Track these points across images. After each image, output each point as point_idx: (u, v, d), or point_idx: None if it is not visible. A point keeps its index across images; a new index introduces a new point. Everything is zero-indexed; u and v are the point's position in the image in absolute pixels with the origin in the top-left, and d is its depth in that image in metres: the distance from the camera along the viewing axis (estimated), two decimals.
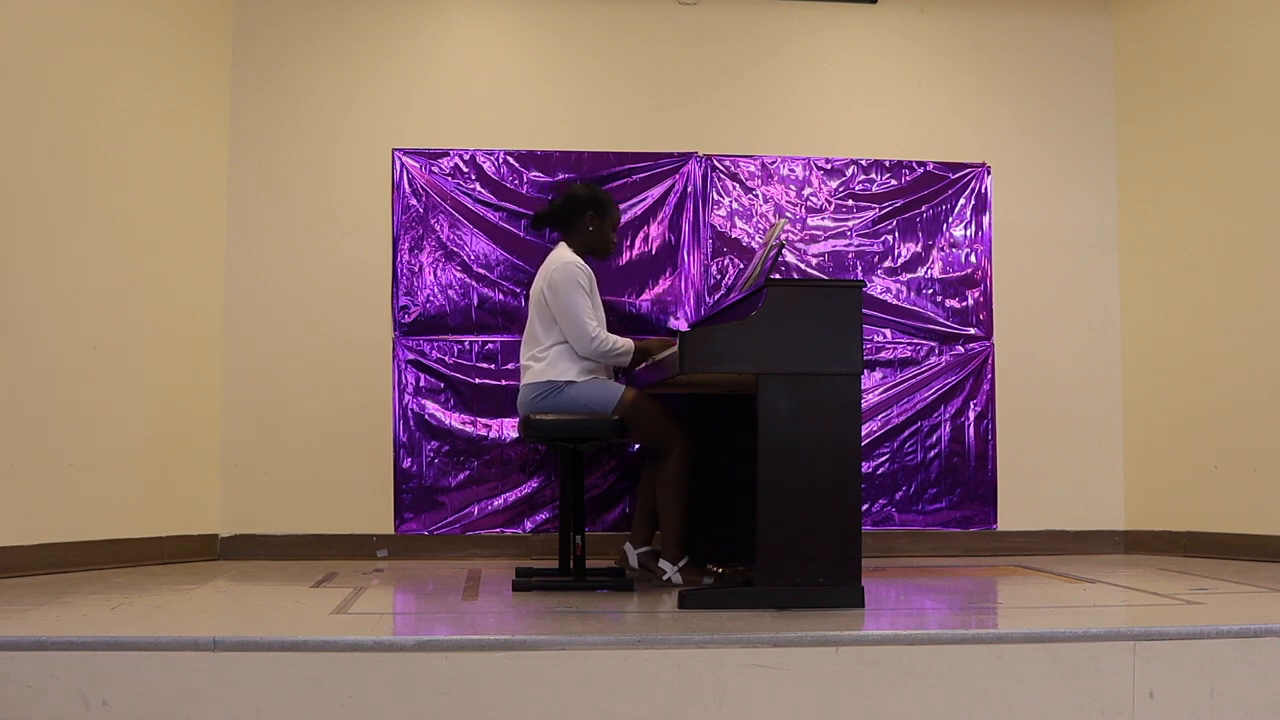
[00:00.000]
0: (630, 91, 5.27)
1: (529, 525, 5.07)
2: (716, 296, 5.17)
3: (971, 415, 5.29)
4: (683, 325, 5.12)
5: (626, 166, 5.18)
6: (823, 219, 5.28)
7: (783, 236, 5.07)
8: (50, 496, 4.16)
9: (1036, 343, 5.35)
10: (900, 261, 5.30)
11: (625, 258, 5.15)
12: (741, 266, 5.17)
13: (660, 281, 5.18)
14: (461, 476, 5.05)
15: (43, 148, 4.23)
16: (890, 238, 5.30)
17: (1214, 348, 5.01)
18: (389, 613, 3.47)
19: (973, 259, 5.34)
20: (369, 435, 5.03)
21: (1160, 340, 5.25)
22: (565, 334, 4.16)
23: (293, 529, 4.98)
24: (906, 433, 5.24)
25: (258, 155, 5.07)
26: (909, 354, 5.27)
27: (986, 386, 5.30)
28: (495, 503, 5.06)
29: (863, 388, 4.72)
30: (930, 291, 5.30)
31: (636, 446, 4.96)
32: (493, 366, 5.08)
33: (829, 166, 5.30)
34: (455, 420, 5.06)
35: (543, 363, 4.18)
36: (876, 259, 5.29)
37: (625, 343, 4.22)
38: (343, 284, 5.07)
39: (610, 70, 5.27)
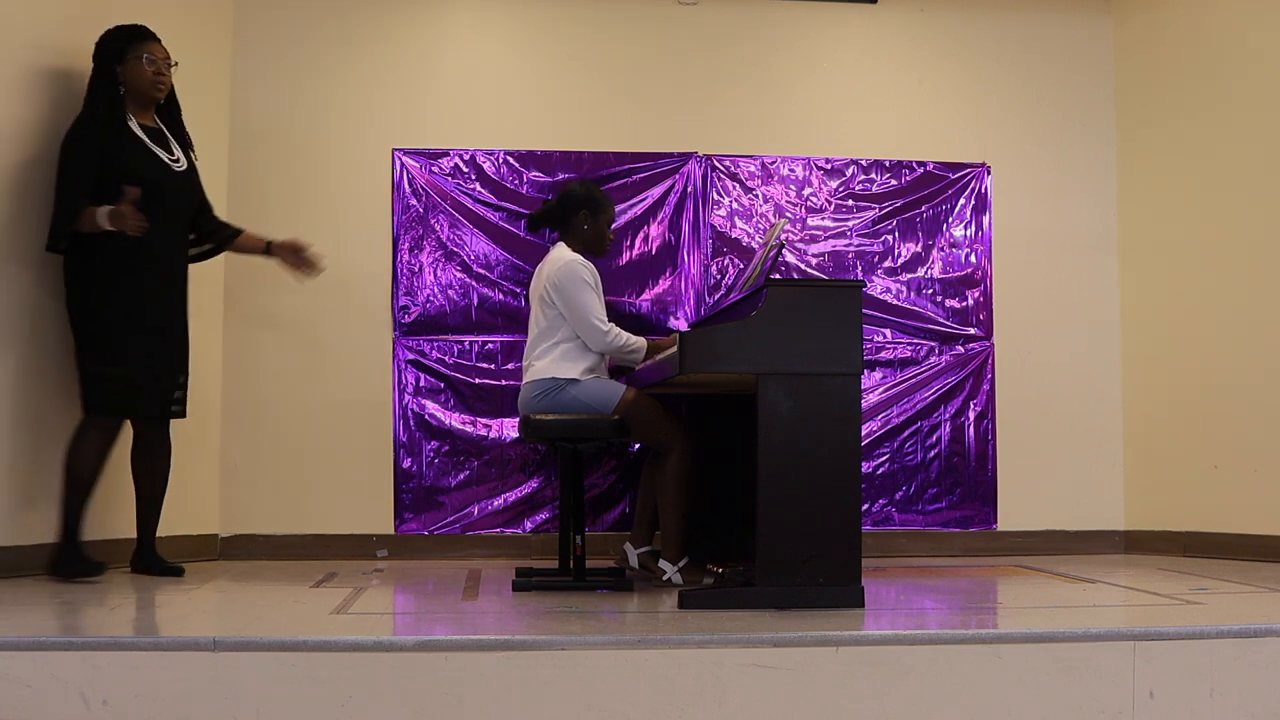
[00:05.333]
0: (630, 91, 5.27)
1: (529, 525, 5.07)
2: (716, 296, 5.17)
3: (971, 415, 5.29)
4: (683, 325, 5.12)
5: (626, 166, 5.19)
6: (823, 219, 5.28)
7: (783, 236, 5.07)
8: (50, 496, 4.16)
9: (1036, 343, 5.35)
10: (900, 261, 5.30)
11: (625, 258, 5.16)
12: (741, 266, 5.17)
13: (660, 281, 5.18)
14: (461, 476, 5.06)
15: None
16: (890, 238, 5.30)
17: (1214, 348, 5.01)
18: (389, 613, 3.47)
19: (973, 259, 5.34)
20: (369, 435, 5.03)
21: (1160, 340, 5.25)
22: (578, 331, 4.17)
23: (293, 529, 4.98)
24: (906, 433, 5.24)
25: (257, 156, 5.07)
26: (909, 354, 5.28)
27: (986, 386, 5.30)
28: (495, 503, 5.06)
29: (863, 388, 4.72)
30: (930, 291, 5.30)
31: (636, 446, 4.97)
32: (493, 366, 5.08)
33: (829, 166, 5.30)
34: (455, 420, 5.06)
35: (545, 360, 4.19)
36: (876, 259, 5.29)
37: (639, 340, 4.25)
38: (343, 284, 5.06)
39: (610, 70, 5.27)
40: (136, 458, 4.19)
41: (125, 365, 4.01)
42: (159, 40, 4.18)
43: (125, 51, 4.08)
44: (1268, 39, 4.83)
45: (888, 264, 5.29)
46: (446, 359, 5.07)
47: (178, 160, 4.18)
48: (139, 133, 4.09)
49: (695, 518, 4.15)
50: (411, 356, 5.06)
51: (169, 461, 4.25)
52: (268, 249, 4.43)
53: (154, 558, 4.20)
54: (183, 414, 4.25)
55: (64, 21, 4.23)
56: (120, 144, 4.03)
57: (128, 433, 4.20)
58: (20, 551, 4.03)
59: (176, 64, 4.23)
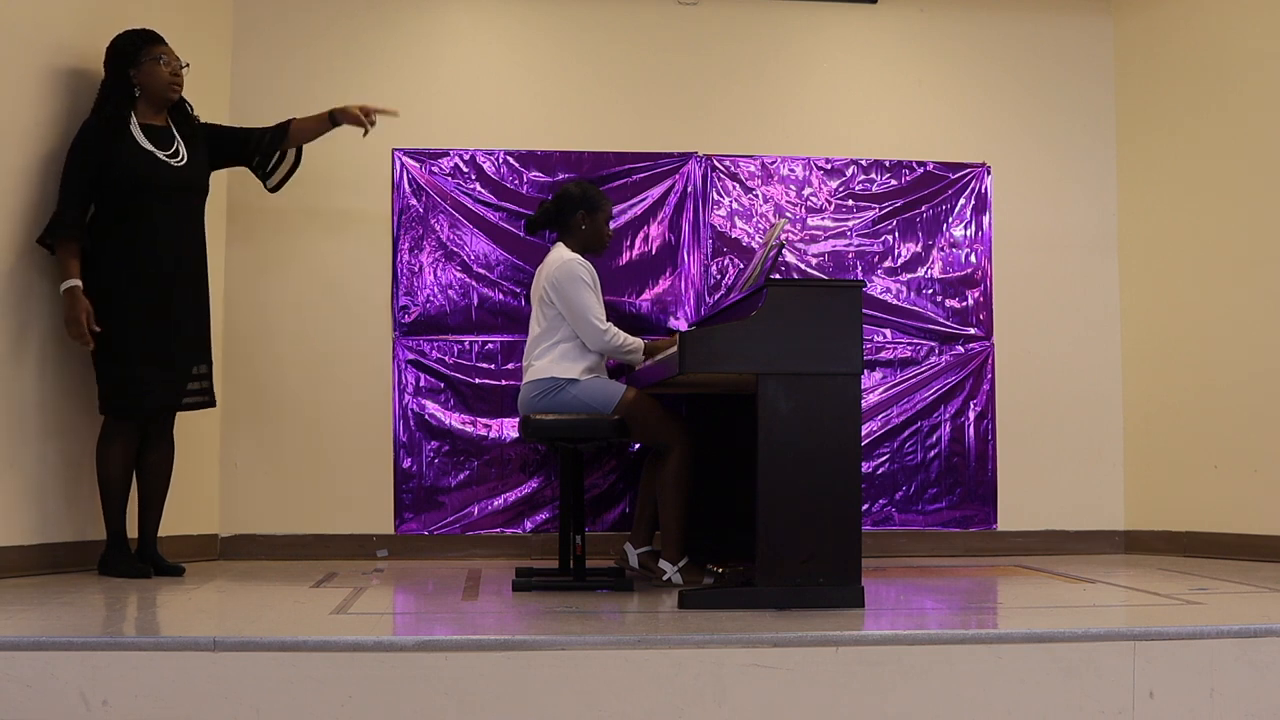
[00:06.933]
0: (630, 91, 5.27)
1: (529, 525, 5.07)
2: (716, 296, 5.17)
3: (971, 415, 5.29)
4: (683, 325, 5.12)
5: (626, 166, 5.19)
6: (823, 219, 5.28)
7: (783, 236, 5.07)
8: (50, 496, 4.16)
9: (1036, 343, 5.35)
10: (900, 261, 5.30)
11: (625, 258, 5.15)
12: (741, 266, 5.17)
13: (660, 281, 5.18)
14: (461, 476, 5.06)
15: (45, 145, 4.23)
16: (890, 238, 5.30)
17: (1214, 348, 5.01)
18: (389, 613, 3.47)
19: (973, 259, 5.35)
20: (369, 435, 5.03)
21: (1160, 340, 5.25)
22: (576, 330, 4.18)
23: (293, 529, 4.98)
24: (906, 433, 5.24)
25: None
26: (909, 354, 5.28)
27: (986, 386, 5.30)
28: (495, 503, 5.06)
29: (863, 388, 4.73)
30: (930, 291, 5.30)
31: (636, 446, 4.97)
32: (493, 366, 5.08)
33: (829, 166, 5.30)
34: (455, 420, 5.06)
35: (545, 360, 4.20)
36: (876, 259, 5.29)
37: (636, 341, 4.27)
38: (343, 284, 5.07)
39: (610, 70, 5.27)
40: (139, 454, 4.22)
41: (131, 364, 4.06)
42: (167, 43, 4.24)
43: (140, 54, 4.16)
44: (1268, 40, 4.83)
45: (888, 264, 5.29)
46: (446, 359, 5.07)
47: (177, 155, 4.23)
48: (138, 134, 4.15)
49: (695, 518, 4.15)
50: (411, 356, 5.06)
51: (171, 459, 4.28)
52: (332, 118, 4.48)
53: (154, 557, 4.22)
54: (211, 403, 4.33)
55: (83, 24, 4.30)
56: (119, 148, 4.10)
57: None
58: (21, 551, 4.03)
59: (188, 66, 4.29)
